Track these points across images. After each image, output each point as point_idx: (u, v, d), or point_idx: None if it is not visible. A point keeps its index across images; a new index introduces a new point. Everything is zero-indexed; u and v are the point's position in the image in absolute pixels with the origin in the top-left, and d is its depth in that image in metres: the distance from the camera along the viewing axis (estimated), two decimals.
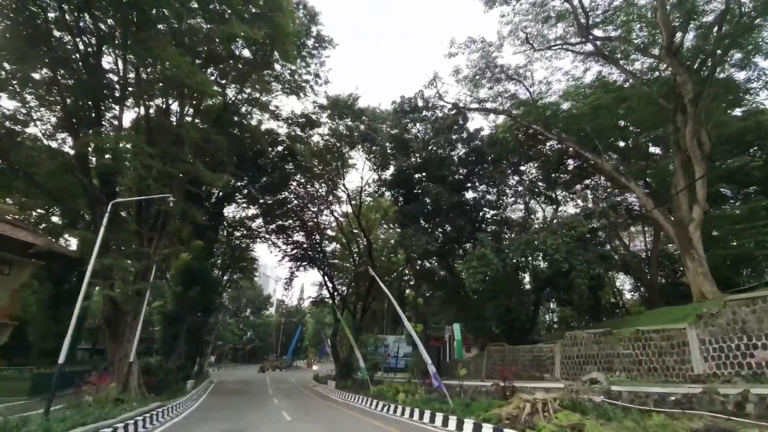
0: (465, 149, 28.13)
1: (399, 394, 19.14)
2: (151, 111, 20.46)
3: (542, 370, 17.21)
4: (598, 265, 19.64)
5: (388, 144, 29.46)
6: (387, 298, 50.15)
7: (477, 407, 13.02)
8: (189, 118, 22.28)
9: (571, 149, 25.22)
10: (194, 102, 22.64)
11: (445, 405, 14.48)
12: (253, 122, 31.59)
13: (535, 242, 20.43)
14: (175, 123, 21.45)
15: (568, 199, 30.07)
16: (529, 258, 21.37)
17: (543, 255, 20.51)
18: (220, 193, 35.07)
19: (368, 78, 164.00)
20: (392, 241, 40.43)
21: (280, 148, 34.68)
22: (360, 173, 37.52)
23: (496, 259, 20.60)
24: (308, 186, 36.23)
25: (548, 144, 29.29)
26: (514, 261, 21.09)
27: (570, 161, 28.55)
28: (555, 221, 20.30)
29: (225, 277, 44.37)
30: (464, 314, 30.39)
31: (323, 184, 36.52)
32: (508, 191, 27.81)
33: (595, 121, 23.40)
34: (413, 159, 29.87)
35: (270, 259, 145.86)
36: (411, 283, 51.41)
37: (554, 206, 29.01)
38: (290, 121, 32.41)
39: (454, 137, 27.36)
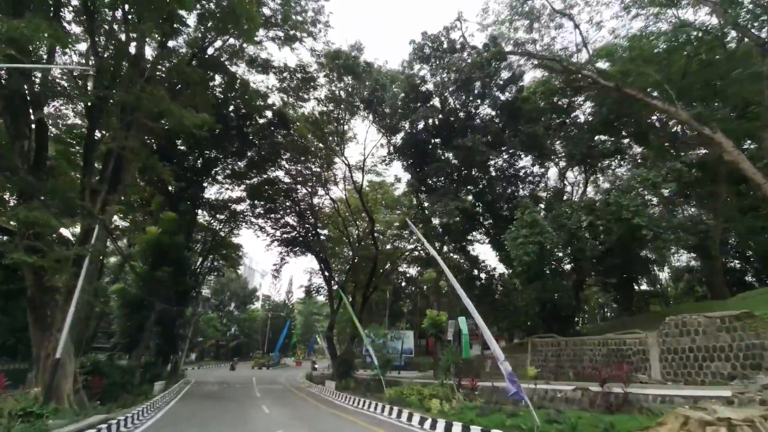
0: (494, 106, 23.51)
1: (430, 400, 14.52)
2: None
3: (628, 369, 12.73)
4: (693, 235, 15.28)
5: (399, 101, 24.69)
6: (389, 288, 45.61)
7: (585, 425, 8.47)
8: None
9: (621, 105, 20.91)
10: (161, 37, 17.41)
11: (521, 419, 9.88)
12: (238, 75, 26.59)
13: (597, 204, 15.99)
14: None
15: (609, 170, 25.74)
16: (586, 226, 16.88)
17: (610, 221, 16.07)
18: (199, 162, 29.92)
19: (374, 33, 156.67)
20: (396, 224, 35.70)
21: (269, 114, 29.62)
22: (362, 144, 31.30)
23: (550, 225, 16.11)
24: (301, 163, 31.20)
25: (586, 106, 25.05)
26: (576, 227, 16.57)
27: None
28: (625, 179, 15.79)
29: (206, 264, 39.17)
30: (488, 304, 25.89)
31: (319, 159, 31.57)
32: (545, 158, 23.23)
33: (668, 68, 19.19)
34: (430, 119, 25.20)
35: (256, 252, 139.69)
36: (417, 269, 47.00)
37: (594, 176, 24.65)
38: (282, 76, 27.29)
39: (482, 89, 22.68)
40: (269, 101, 28.91)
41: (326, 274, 33.91)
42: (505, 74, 22.47)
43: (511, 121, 22.42)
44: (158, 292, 22.48)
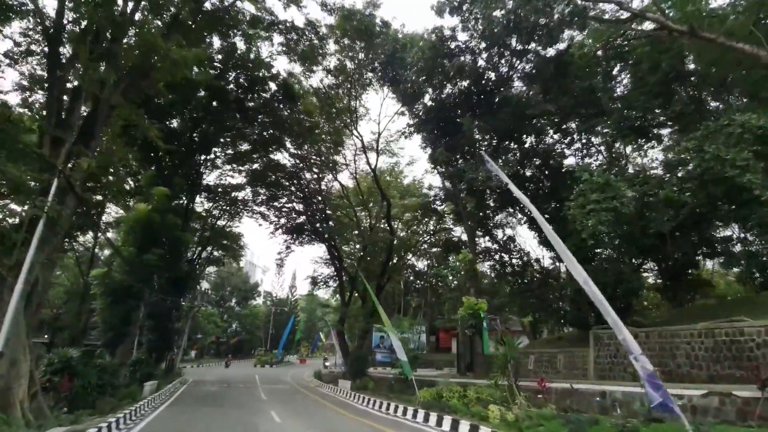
0: (536, 64, 20.31)
1: (477, 403, 11.47)
2: None
3: (747, 369, 9.64)
4: None
5: (423, 61, 21.52)
6: (402, 278, 42.41)
7: None
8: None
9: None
10: None
11: None
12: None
13: (688, 160, 12.89)
14: None
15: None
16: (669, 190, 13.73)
17: (697, 185, 12.95)
18: (195, 135, 26.73)
19: None
20: (411, 214, 32.50)
21: (273, 87, 26.43)
22: (376, 120, 27.96)
23: (629, 188, 13.00)
24: (308, 144, 28.04)
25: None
26: (653, 193, 13.44)
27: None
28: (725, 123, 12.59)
29: (205, 254, 36.13)
30: (523, 293, 22.82)
31: (327, 139, 28.43)
32: (597, 120, 19.95)
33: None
34: (459, 82, 22.05)
35: (257, 247, 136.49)
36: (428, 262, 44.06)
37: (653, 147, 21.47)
38: (288, 37, 24.03)
39: (525, 41, 19.44)
40: (273, 71, 25.78)
41: (336, 263, 30.82)
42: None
43: (556, 80, 19.22)
44: (148, 280, 19.43)
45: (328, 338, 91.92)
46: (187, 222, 29.87)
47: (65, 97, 11.74)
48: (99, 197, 26.53)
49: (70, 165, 11.11)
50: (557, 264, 22.33)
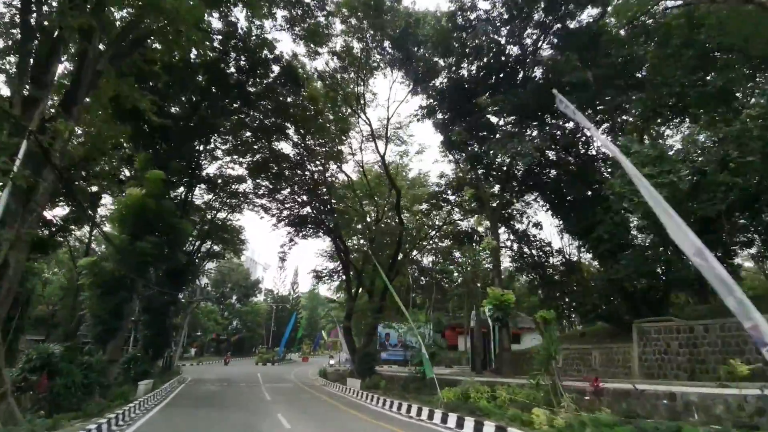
0: (562, 35, 18.70)
1: (531, 410, 9.89)
2: None
3: None
4: None
5: (437, 35, 19.92)
6: (412, 272, 40.88)
7: None
8: None
9: None
10: None
11: None
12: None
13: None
14: None
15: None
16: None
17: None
18: (192, 120, 25.09)
19: None
20: (424, 205, 30.72)
21: (276, 70, 24.81)
22: (385, 104, 26.27)
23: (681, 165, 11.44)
24: (311, 134, 26.43)
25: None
26: (709, 167, 11.85)
27: None
28: None
29: (204, 247, 34.64)
30: (541, 287, 21.24)
31: (333, 127, 26.77)
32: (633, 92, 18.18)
33: None
34: (475, 60, 20.46)
35: (258, 244, 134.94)
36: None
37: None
38: (293, 13, 22.39)
39: (548, 15, 17.85)
40: (277, 52, 24.17)
41: (342, 256, 29.24)
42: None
43: (588, 51, 17.57)
44: (142, 270, 17.88)
45: (331, 336, 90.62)
46: (186, 214, 28.42)
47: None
48: (94, 188, 25.40)
49: (49, 135, 9.57)
50: (581, 254, 20.79)
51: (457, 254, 48.95)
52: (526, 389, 11.96)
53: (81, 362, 13.05)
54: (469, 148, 19.59)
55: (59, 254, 33.24)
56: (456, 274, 51.86)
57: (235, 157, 29.37)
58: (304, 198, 30.25)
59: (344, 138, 27.96)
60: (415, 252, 36.05)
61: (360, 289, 29.72)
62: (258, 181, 30.24)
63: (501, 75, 20.52)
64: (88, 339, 27.06)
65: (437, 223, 31.92)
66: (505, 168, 17.47)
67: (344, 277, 37.71)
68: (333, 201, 29.69)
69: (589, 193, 18.45)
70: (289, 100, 25.17)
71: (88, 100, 12.08)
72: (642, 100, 17.26)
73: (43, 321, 35.31)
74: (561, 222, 20.39)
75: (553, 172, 20.00)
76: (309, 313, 79.23)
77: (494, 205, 20.34)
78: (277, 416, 12.47)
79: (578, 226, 18.71)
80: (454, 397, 13.28)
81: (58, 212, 24.07)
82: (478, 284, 49.80)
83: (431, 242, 35.83)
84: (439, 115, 22.95)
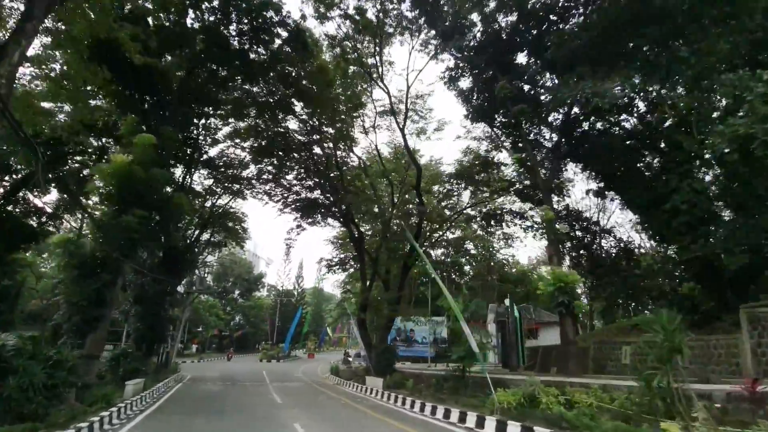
0: None
1: (663, 426, 7.10)
2: None
3: None
4: None
5: None
6: (418, 267, 38.02)
7: None
8: None
9: None
10: None
11: None
12: None
13: None
14: None
15: None
16: None
17: None
18: (191, 89, 22.27)
19: None
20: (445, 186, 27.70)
21: (284, 34, 21.89)
22: (404, 73, 23.47)
23: None
24: (321, 109, 23.42)
25: None
26: None
27: None
28: None
29: (205, 237, 31.96)
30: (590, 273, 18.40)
31: (345, 98, 23.83)
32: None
33: None
34: (513, 11, 17.57)
35: (261, 238, 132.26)
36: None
37: None
38: None
39: None
40: (284, 11, 21.29)
41: (356, 240, 26.41)
42: None
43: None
44: (129, 249, 15.11)
45: (336, 332, 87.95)
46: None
47: None
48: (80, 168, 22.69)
49: None
50: (642, 236, 17.96)
51: (470, 246, 46.35)
52: (614, 392, 9.20)
53: (46, 357, 10.32)
54: (514, 106, 16.62)
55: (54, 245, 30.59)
56: (467, 267, 49.23)
57: (237, 141, 26.68)
58: (314, 181, 27.42)
59: (356, 115, 25.12)
60: (425, 243, 33.13)
61: (373, 280, 26.96)
62: (261, 166, 27.51)
63: (546, 25, 17.58)
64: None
65: (460, 203, 28.94)
66: (554, 134, 14.59)
67: (357, 265, 35.25)
68: (345, 182, 26.83)
69: (657, 161, 15.61)
70: (295, 72, 22.26)
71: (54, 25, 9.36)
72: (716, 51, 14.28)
73: (38, 316, 32.69)
74: (616, 197, 17.53)
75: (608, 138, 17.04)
76: (314, 308, 76.59)
77: (544, 172, 17.37)
78: (294, 426, 9.73)
79: (640, 199, 15.87)
80: (515, 400, 10.51)
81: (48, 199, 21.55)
82: (494, 275, 47.36)
83: (451, 227, 32.93)
84: (466, 83, 20.15)
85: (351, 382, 22.60)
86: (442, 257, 43.17)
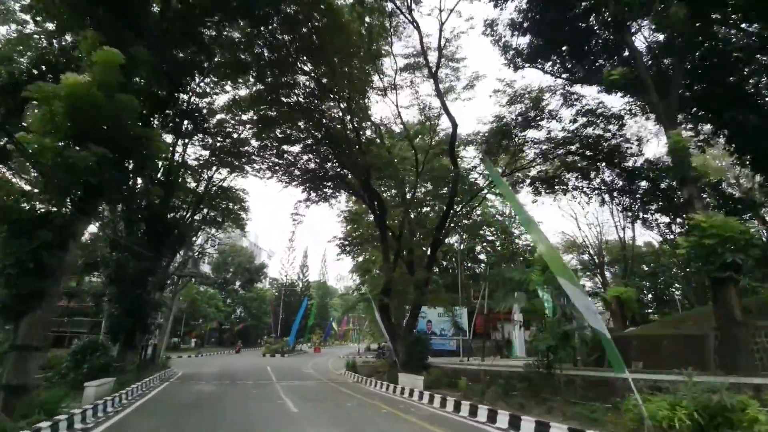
0: None
1: None
2: None
3: None
4: None
5: None
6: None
7: None
8: None
9: None
10: None
11: None
12: None
13: None
14: None
15: None
16: None
17: None
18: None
19: None
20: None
21: None
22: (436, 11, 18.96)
23: None
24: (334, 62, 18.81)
25: None
26: None
27: None
28: None
29: (199, 216, 27.77)
30: None
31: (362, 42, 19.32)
32: None
33: None
34: None
35: (261, 227, 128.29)
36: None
37: None
38: None
39: None
40: None
41: (377, 210, 22.25)
42: None
43: None
44: (85, 202, 11.01)
45: (342, 325, 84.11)
46: (177, 178, 21.74)
47: None
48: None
49: None
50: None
51: (488, 232, 42.14)
52: None
53: None
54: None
55: None
56: (482, 255, 45.04)
57: (237, 115, 22.63)
58: (325, 148, 23.07)
59: (372, 74, 20.75)
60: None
61: (397, 260, 22.85)
62: (265, 143, 23.33)
63: None
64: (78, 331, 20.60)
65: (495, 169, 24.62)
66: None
67: (370, 249, 31.24)
68: (362, 145, 22.52)
69: None
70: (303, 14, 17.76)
71: None
72: None
73: None
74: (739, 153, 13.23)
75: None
76: (318, 301, 72.67)
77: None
78: None
79: None
80: (685, 415, 6.40)
81: None
82: (518, 260, 43.20)
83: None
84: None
85: (374, 380, 18.57)
86: (456, 244, 39.15)
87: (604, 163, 18.03)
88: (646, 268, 41.17)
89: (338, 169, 23.89)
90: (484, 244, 44.56)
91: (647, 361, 13.80)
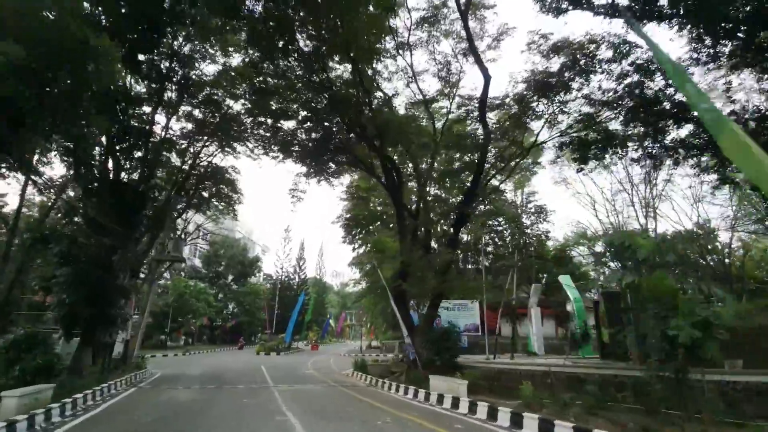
0: None
1: None
2: None
3: None
4: None
5: None
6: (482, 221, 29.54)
7: None
8: None
9: None
10: None
11: None
12: None
13: None
14: None
15: None
16: None
17: None
18: None
19: None
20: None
21: None
22: None
23: None
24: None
25: None
26: None
27: None
28: None
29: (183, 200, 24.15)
30: None
31: None
32: None
33: None
34: None
35: (255, 224, 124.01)
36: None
37: None
38: None
39: None
40: None
41: (394, 175, 18.73)
42: None
43: None
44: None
45: (340, 321, 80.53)
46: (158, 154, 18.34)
47: None
48: None
49: None
50: None
51: (499, 221, 38.86)
52: None
53: None
54: None
55: None
56: (490, 248, 41.79)
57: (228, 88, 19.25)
58: (328, 113, 19.45)
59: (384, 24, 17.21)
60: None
61: (415, 239, 19.43)
62: (261, 119, 19.98)
63: None
64: (51, 328, 17.00)
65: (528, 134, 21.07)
66: None
67: (371, 233, 27.67)
68: (371, 105, 18.95)
69: None
70: None
71: None
72: None
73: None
74: None
75: None
76: (316, 297, 69.11)
77: None
78: None
79: None
80: None
81: None
82: (531, 251, 39.93)
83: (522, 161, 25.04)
84: None
85: (393, 383, 15.20)
86: (465, 235, 35.83)
87: (671, 120, 14.73)
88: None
89: (346, 137, 20.43)
90: (492, 234, 41.32)
91: (746, 357, 10.59)
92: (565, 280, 28.34)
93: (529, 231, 39.86)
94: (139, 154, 17.06)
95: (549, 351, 27.31)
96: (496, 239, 41.11)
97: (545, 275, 37.92)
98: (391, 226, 23.17)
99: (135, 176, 17.35)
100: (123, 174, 16.39)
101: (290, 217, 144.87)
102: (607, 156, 16.00)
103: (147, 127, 16.90)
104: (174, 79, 18.74)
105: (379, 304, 43.60)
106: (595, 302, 19.33)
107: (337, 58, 17.16)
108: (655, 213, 31.58)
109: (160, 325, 42.29)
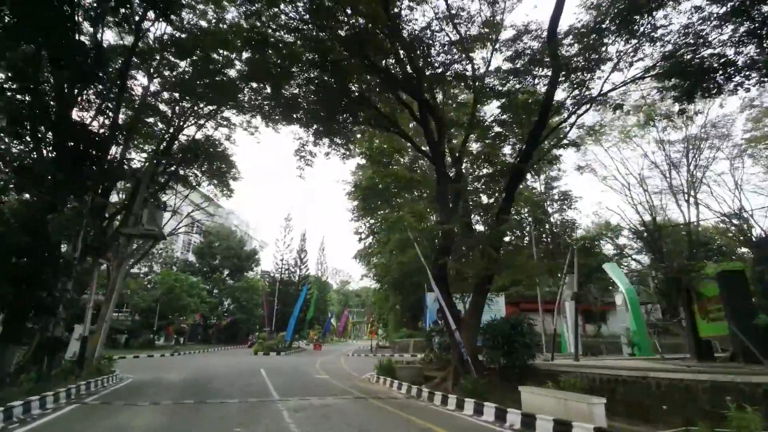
0: None
1: None
2: None
3: None
4: None
5: None
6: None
7: None
8: None
9: None
10: None
11: None
12: None
13: None
14: None
15: None
16: None
17: None
18: None
19: None
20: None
21: None
22: None
23: None
24: None
25: None
26: None
27: None
28: None
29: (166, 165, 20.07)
30: None
31: None
32: None
33: None
34: None
35: (253, 218, 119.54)
36: None
37: None
38: None
39: None
40: None
41: (432, 127, 14.53)
42: None
43: None
44: None
45: (342, 320, 76.32)
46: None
47: None
48: None
49: None
50: None
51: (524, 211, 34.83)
52: None
53: None
54: None
55: None
56: (508, 238, 37.81)
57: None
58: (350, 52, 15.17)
59: None
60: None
61: (456, 207, 15.18)
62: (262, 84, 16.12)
63: None
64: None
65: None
66: None
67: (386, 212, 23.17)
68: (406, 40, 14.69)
69: None
70: None
71: None
72: None
73: None
74: None
75: None
76: (317, 293, 64.91)
77: None
78: None
79: None
80: None
81: None
82: (560, 241, 35.78)
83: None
84: None
85: (440, 394, 11.05)
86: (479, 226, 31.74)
87: None
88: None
89: (367, 87, 16.19)
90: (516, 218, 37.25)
91: None
92: (611, 268, 24.41)
93: (552, 220, 36.04)
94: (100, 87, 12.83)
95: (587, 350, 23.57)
96: (516, 231, 37.11)
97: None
98: (417, 194, 18.95)
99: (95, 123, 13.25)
100: (77, 113, 12.28)
101: (290, 207, 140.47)
102: (725, 86, 11.84)
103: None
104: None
105: (392, 299, 39.47)
106: (686, 290, 15.17)
107: None
108: (696, 200, 27.66)
109: (148, 323, 38.12)
